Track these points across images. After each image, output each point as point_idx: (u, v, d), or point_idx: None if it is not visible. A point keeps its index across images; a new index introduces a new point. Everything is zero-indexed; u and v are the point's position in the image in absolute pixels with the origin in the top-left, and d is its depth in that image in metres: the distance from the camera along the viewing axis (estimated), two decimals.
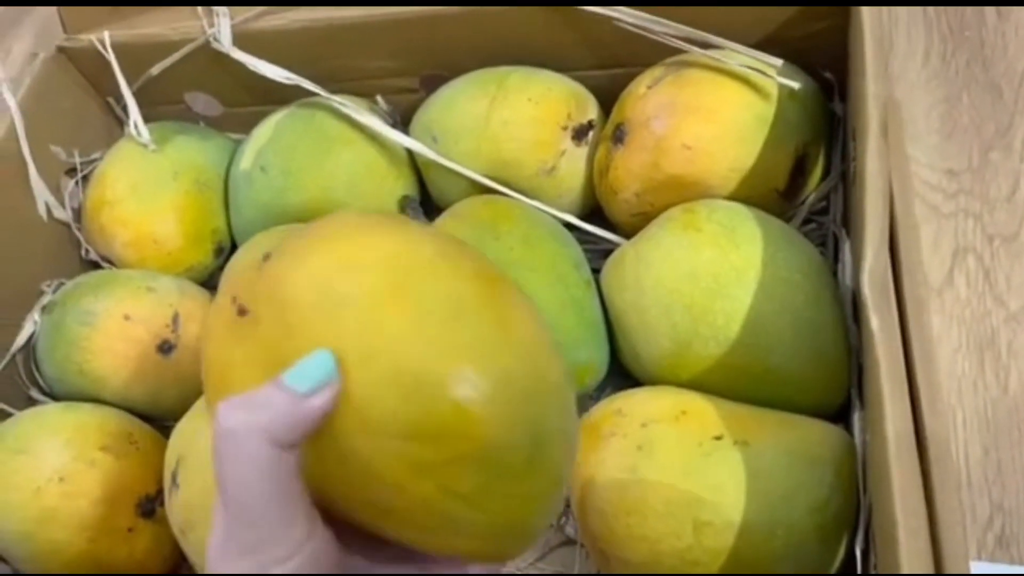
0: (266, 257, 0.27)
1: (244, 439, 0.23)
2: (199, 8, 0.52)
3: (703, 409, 0.39)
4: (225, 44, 0.51)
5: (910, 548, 0.28)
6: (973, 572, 0.42)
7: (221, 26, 0.51)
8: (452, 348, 0.25)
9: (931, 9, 0.62)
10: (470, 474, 0.25)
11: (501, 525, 0.27)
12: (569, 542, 0.45)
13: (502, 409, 0.25)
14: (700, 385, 0.41)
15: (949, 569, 0.30)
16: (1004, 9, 0.60)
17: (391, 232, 0.27)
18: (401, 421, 0.25)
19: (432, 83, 0.53)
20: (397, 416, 0.25)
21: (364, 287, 0.25)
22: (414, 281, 0.26)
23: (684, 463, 0.37)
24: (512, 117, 0.48)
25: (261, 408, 0.24)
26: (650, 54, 0.48)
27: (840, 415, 0.42)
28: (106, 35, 0.53)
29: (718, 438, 0.37)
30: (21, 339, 0.50)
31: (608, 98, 0.50)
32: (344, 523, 0.27)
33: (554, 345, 0.28)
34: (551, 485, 0.27)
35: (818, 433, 0.38)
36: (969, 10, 0.61)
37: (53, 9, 0.54)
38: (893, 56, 0.60)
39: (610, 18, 0.47)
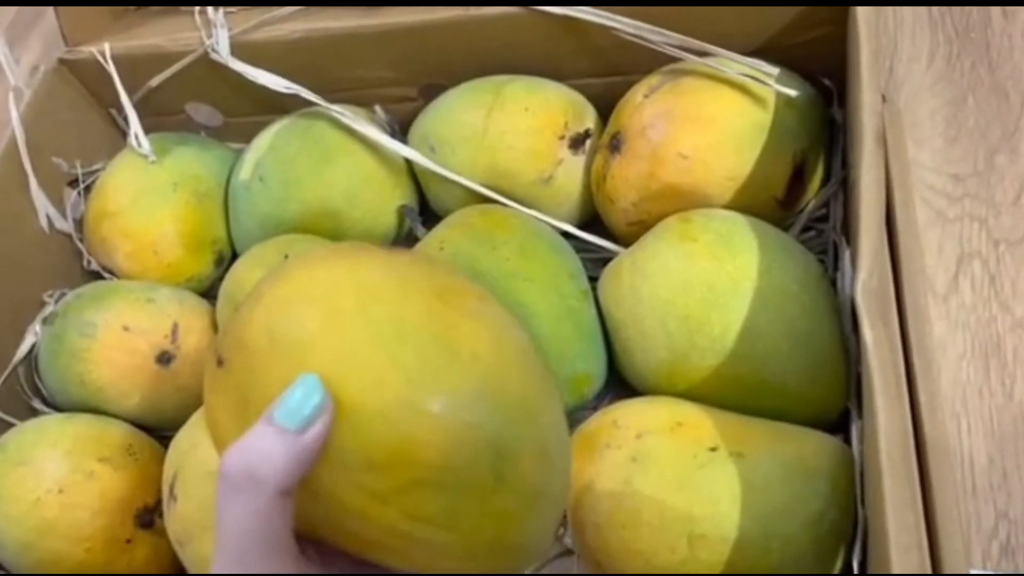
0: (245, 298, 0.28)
1: (245, 489, 0.24)
2: (197, 19, 0.52)
3: (699, 420, 0.38)
4: (223, 54, 0.52)
5: (902, 565, 0.28)
6: None
7: (219, 37, 0.51)
8: (392, 373, 0.25)
9: (936, 10, 0.61)
10: (431, 498, 0.25)
11: (481, 544, 0.27)
12: (567, 552, 0.44)
13: (452, 429, 0.25)
14: (697, 395, 0.40)
15: None
16: (1010, 10, 0.60)
17: (339, 262, 0.27)
18: (352, 452, 0.25)
19: (431, 92, 0.53)
20: (347, 448, 0.25)
21: (305, 323, 0.26)
22: (356, 309, 0.26)
23: (679, 476, 0.37)
24: (509, 127, 0.48)
25: (260, 458, 0.24)
26: (648, 62, 0.47)
27: (839, 426, 0.41)
28: (106, 47, 0.54)
29: (713, 450, 0.37)
30: (23, 350, 0.50)
31: (606, 106, 0.50)
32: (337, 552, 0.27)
33: (524, 356, 0.28)
34: (530, 499, 0.27)
35: (815, 445, 0.38)
36: (975, 11, 0.60)
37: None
38: (898, 59, 0.60)
39: (608, 27, 0.47)
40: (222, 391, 0.27)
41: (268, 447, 0.24)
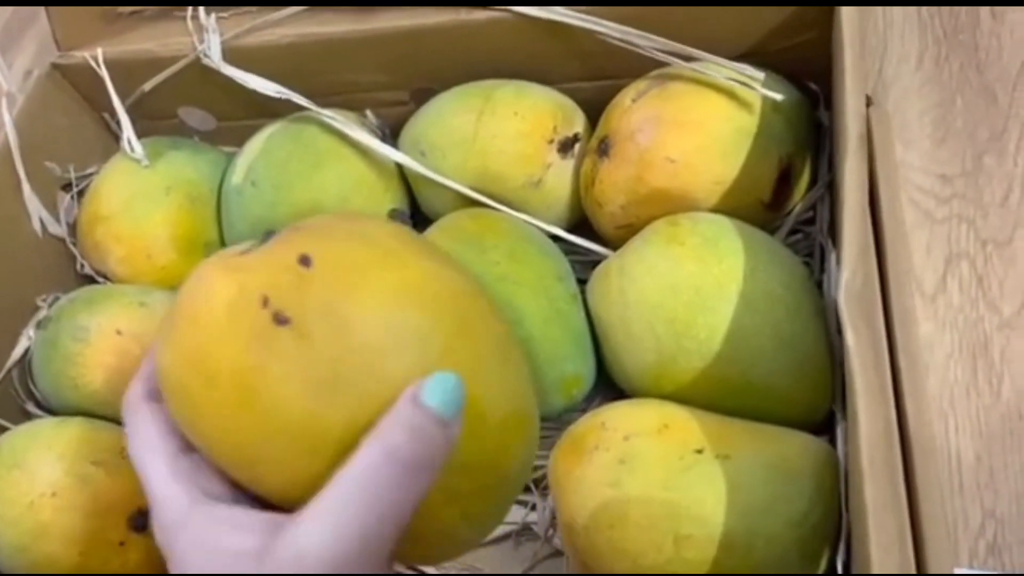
0: (305, 261, 0.26)
1: (409, 475, 0.25)
2: (189, 24, 0.53)
3: (686, 422, 0.39)
4: (215, 59, 0.52)
5: (882, 565, 0.28)
6: None
7: (211, 42, 0.52)
8: (503, 386, 0.27)
9: (925, 11, 0.61)
10: (487, 501, 0.26)
11: (482, 536, 0.28)
12: (557, 554, 0.45)
13: (529, 441, 0.28)
14: (684, 398, 0.41)
15: None
16: (999, 11, 0.60)
17: (444, 263, 0.28)
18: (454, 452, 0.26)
19: (423, 97, 0.54)
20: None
21: (434, 321, 0.26)
22: (475, 318, 0.27)
23: (665, 477, 0.37)
24: (499, 131, 0.48)
25: (429, 444, 0.25)
26: (636, 66, 0.48)
27: (825, 427, 0.42)
28: (99, 51, 0.54)
29: (699, 451, 0.37)
30: (16, 354, 0.51)
31: (595, 110, 0.50)
32: None
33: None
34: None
35: (799, 446, 0.38)
36: (963, 12, 0.61)
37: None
38: (887, 60, 0.60)
39: (596, 32, 0.47)
40: (286, 357, 0.25)
41: (431, 433, 0.25)
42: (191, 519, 0.28)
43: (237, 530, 0.27)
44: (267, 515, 0.27)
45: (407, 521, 0.25)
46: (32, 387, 0.51)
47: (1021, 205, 0.52)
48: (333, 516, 0.25)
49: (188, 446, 0.31)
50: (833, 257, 0.41)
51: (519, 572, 0.44)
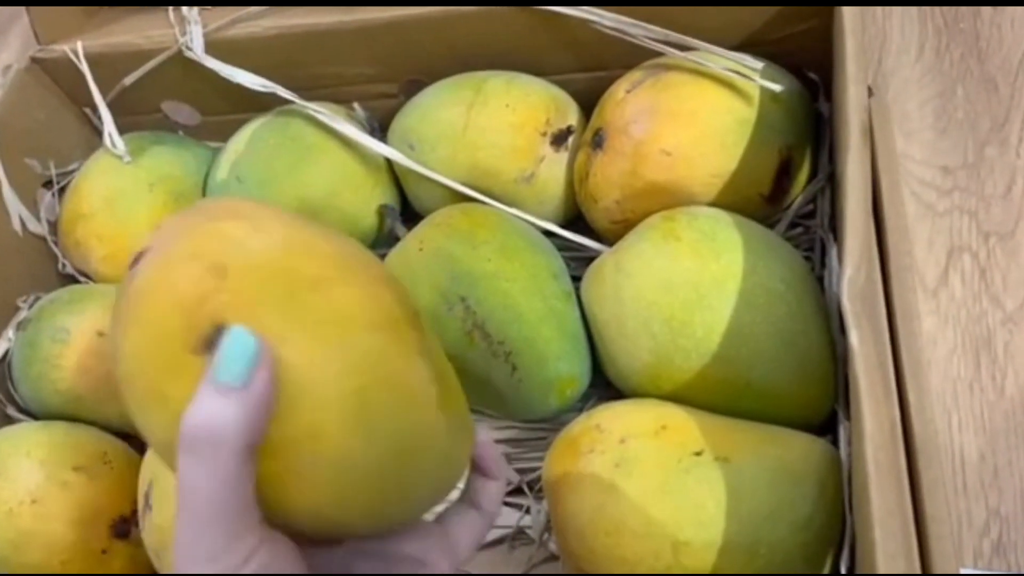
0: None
1: (205, 454, 0.23)
2: (171, 16, 0.51)
3: (684, 423, 0.38)
4: (198, 52, 0.51)
5: (889, 570, 0.27)
6: None
7: (193, 34, 0.50)
8: None
9: None
10: None
11: None
12: (553, 558, 0.44)
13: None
14: (682, 398, 0.40)
15: None
16: None
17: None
18: None
19: (412, 89, 0.52)
20: None
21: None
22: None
23: (663, 481, 0.36)
24: (490, 123, 0.47)
25: (214, 419, 0.23)
26: (631, 57, 0.47)
27: (827, 427, 0.41)
28: (79, 45, 0.53)
29: (698, 454, 0.36)
30: None
31: (589, 102, 0.49)
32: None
33: None
34: None
35: (801, 448, 0.37)
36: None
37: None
38: (887, 51, 0.59)
39: (589, 21, 0.46)
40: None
41: (219, 408, 0.23)
42: None
43: None
44: None
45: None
46: (12, 390, 0.50)
47: None
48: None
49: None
50: (834, 252, 0.40)
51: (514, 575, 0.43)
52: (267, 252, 0.26)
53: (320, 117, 0.50)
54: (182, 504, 0.24)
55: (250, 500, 0.24)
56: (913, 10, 0.60)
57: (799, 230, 0.47)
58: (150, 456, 0.42)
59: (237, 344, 0.24)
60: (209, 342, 0.24)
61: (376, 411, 0.25)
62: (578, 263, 0.48)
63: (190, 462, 0.23)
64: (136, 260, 0.27)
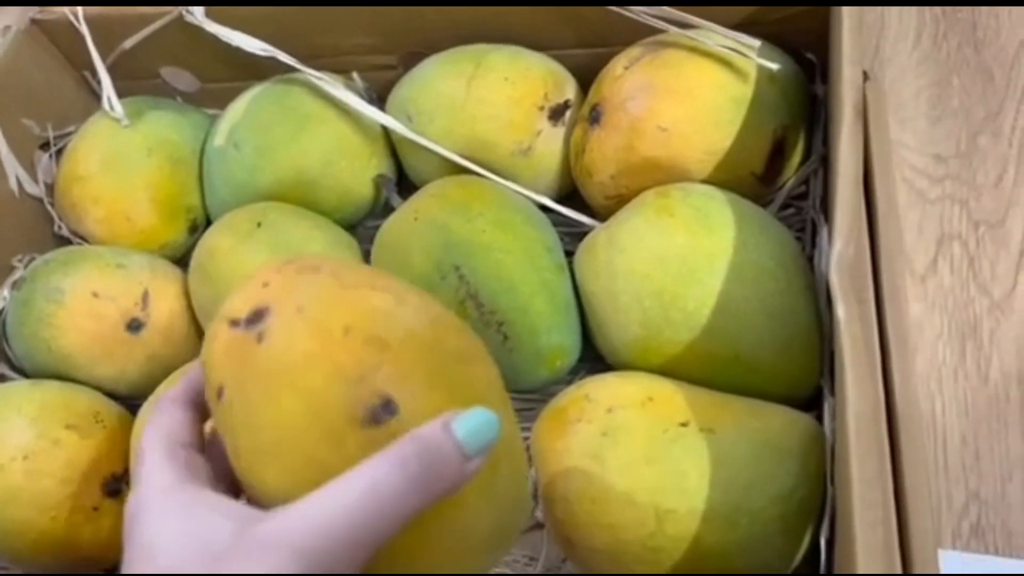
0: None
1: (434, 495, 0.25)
2: None
3: (670, 395, 0.38)
4: (198, 16, 0.51)
5: (867, 542, 0.28)
6: (943, 561, 0.41)
7: None
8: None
9: None
10: None
11: None
12: (539, 526, 0.44)
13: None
14: (671, 371, 0.40)
15: (916, 556, 0.30)
16: None
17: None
18: None
19: (412, 61, 0.52)
20: None
21: None
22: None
23: (648, 450, 0.36)
24: (488, 96, 0.47)
25: (460, 481, 0.25)
26: (629, 34, 0.47)
27: (813, 403, 0.41)
28: (79, 8, 0.53)
29: (684, 425, 0.37)
30: None
31: (587, 77, 0.49)
32: None
33: None
34: None
35: (785, 422, 0.38)
36: None
37: None
38: (884, 38, 0.59)
39: None
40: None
41: (448, 457, 0.25)
42: (168, 498, 0.25)
43: (214, 512, 0.25)
44: (253, 509, 0.25)
45: (387, 539, 0.24)
46: (6, 348, 0.50)
47: (1015, 186, 0.52)
48: (323, 509, 0.23)
49: (199, 447, 0.29)
50: (825, 232, 0.41)
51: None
52: (418, 326, 0.27)
53: (320, 84, 0.50)
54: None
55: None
56: None
57: (791, 211, 0.47)
58: (143, 416, 0.43)
59: (484, 421, 0.25)
60: (376, 415, 0.25)
61: (502, 481, 0.28)
62: (571, 238, 0.48)
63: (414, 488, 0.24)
64: (254, 318, 0.26)
